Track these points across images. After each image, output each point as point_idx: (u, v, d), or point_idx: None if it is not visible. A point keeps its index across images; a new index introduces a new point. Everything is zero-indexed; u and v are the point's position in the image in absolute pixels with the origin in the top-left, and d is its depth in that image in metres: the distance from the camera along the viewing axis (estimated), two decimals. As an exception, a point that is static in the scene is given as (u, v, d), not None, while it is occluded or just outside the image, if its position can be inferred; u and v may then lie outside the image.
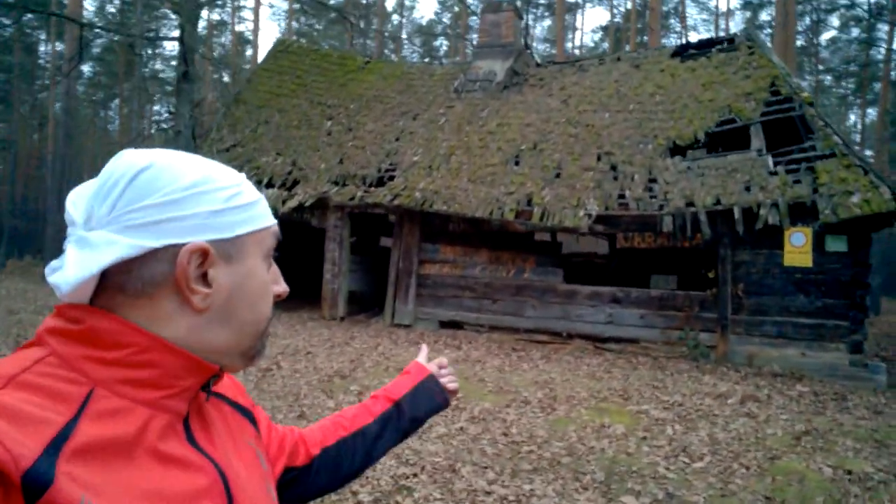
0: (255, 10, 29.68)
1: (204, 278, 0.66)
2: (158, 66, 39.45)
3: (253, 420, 0.85)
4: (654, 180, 9.32)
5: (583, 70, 12.33)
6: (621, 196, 9.19)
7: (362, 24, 26.82)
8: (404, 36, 40.23)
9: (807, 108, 9.42)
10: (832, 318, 8.23)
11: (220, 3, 38.94)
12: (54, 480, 0.52)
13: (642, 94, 11.04)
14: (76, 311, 0.64)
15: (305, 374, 6.73)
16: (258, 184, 11.10)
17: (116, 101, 39.17)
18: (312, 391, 6.15)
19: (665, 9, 36.07)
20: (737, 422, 5.94)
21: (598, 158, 9.96)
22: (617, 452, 5.02)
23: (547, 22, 40.76)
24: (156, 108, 38.62)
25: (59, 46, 31.56)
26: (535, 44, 39.59)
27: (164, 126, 14.19)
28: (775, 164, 8.94)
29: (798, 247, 8.37)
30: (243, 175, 0.73)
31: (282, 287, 0.75)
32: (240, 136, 12.37)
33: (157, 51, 37.61)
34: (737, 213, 8.38)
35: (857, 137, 33.57)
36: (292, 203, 10.51)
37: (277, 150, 11.84)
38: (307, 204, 10.52)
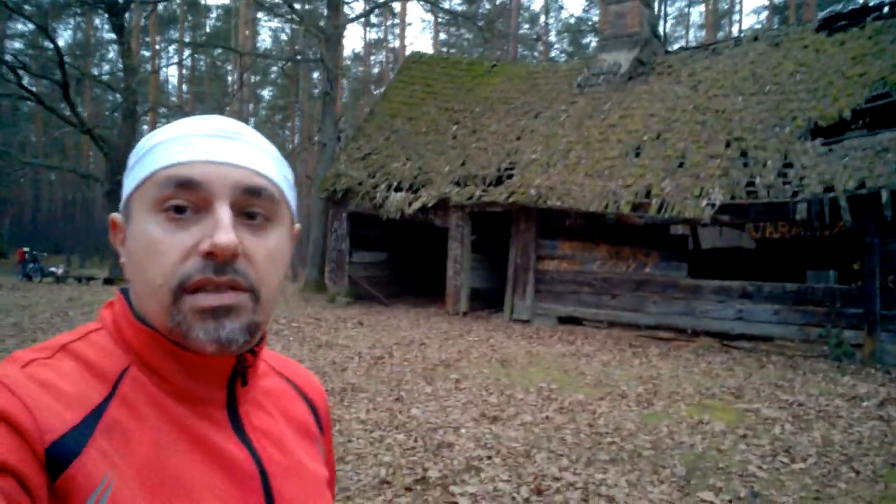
0: (402, 27, 31.24)
1: None
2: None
3: (319, 421, 0.80)
4: (789, 165, 8.59)
5: (716, 53, 11.63)
6: (750, 183, 8.57)
7: (500, 28, 27.25)
8: (552, 37, 40.11)
9: (982, 72, 8.15)
10: None
11: (376, 23, 41.56)
12: (81, 455, 0.52)
13: (781, 73, 10.19)
14: (117, 293, 0.67)
15: (413, 363, 7.14)
16: (388, 188, 11.85)
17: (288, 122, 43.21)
18: (415, 378, 6.53)
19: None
20: (864, 425, 5.37)
21: (728, 145, 9.37)
22: (707, 449, 4.79)
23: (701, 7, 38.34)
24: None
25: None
26: (691, 31, 37.46)
27: (317, 139, 15.65)
28: (938, 139, 7.85)
29: (966, 233, 7.27)
30: (172, 126, 0.65)
31: (210, 241, 0.59)
32: (374, 145, 13.25)
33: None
34: (884, 197, 7.47)
35: None
36: (416, 205, 11.09)
37: (406, 156, 12.53)
38: (430, 205, 11.04)
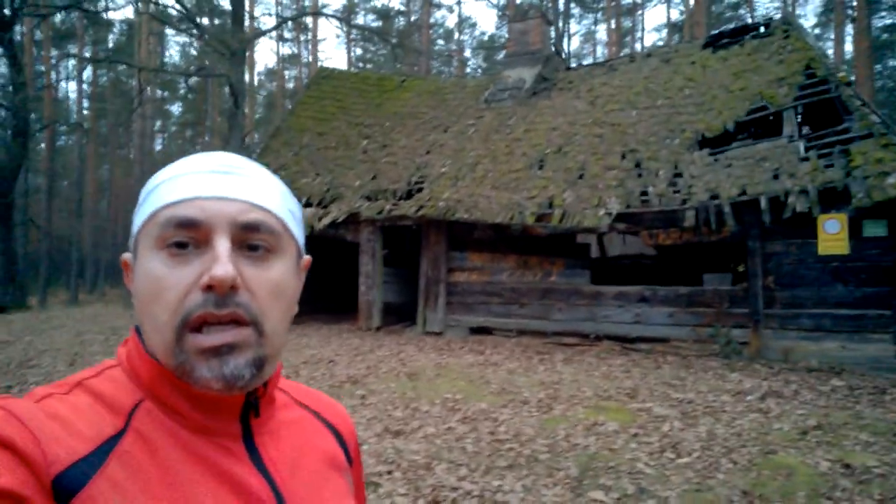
0: (314, 43, 30.99)
1: None
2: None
3: (347, 452, 0.80)
4: (679, 175, 9.09)
5: (613, 70, 12.19)
6: (643, 193, 9.01)
7: (413, 44, 27.52)
8: (467, 53, 40.85)
9: (843, 88, 8.93)
10: (874, 308, 7.70)
11: (289, 38, 41.00)
12: (88, 485, 0.53)
13: (671, 88, 10.80)
14: (131, 331, 0.68)
15: (320, 381, 7.02)
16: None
17: (201, 137, 41.78)
18: (320, 396, 6.41)
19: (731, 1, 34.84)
20: (745, 418, 5.71)
21: (623, 157, 9.81)
22: (600, 449, 4.95)
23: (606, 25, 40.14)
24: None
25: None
26: (598, 47, 39.08)
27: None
28: (808, 149, 8.52)
29: (833, 234, 7.91)
30: (176, 164, 0.66)
31: (208, 275, 0.59)
32: (283, 161, 13.02)
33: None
34: (763, 203, 8.03)
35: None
36: (326, 220, 10.97)
37: (316, 172, 12.38)
38: (340, 220, 10.94)
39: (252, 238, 0.63)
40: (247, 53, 33.84)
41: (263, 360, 0.62)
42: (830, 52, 27.00)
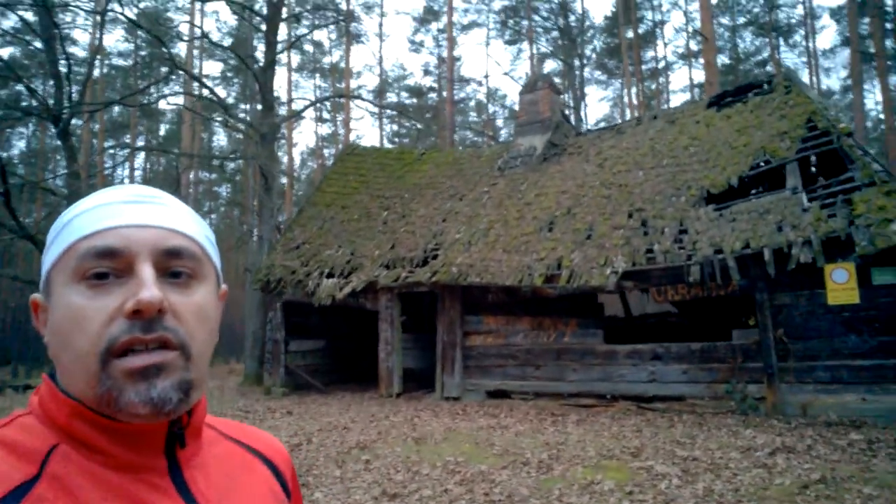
0: (346, 122, 32.56)
1: None
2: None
3: (283, 483, 0.79)
4: (684, 231, 9.18)
5: (620, 133, 12.53)
6: (649, 250, 9.12)
7: (438, 118, 28.70)
8: (499, 122, 42.16)
9: (844, 139, 9.01)
10: (892, 357, 7.50)
11: (328, 119, 43.04)
12: None
13: (676, 147, 11.03)
14: (43, 376, 0.67)
15: (329, 448, 7.18)
16: (320, 275, 12.13)
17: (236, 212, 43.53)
18: (327, 462, 6.57)
19: (758, 58, 35.28)
20: (748, 473, 5.61)
21: (630, 216, 9.98)
22: (590, 507, 4.95)
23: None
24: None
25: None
26: (626, 110, 39.73)
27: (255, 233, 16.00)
28: (811, 200, 8.56)
29: (841, 283, 7.83)
30: (86, 199, 0.66)
31: (134, 300, 0.59)
32: (308, 235, 13.61)
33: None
34: (766, 255, 8.04)
35: None
36: (347, 289, 11.35)
37: (339, 244, 12.90)
38: (359, 289, 11.31)
39: (174, 264, 0.63)
40: (287, 134, 35.76)
41: (190, 384, 0.62)
42: (855, 103, 26.92)
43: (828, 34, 54.53)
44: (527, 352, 10.13)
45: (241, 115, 24.27)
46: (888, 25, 24.49)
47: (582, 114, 24.99)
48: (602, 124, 39.19)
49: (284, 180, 29.03)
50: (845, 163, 8.83)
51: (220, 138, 47.69)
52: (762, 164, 9.54)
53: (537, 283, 9.51)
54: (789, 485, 5.20)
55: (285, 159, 38.78)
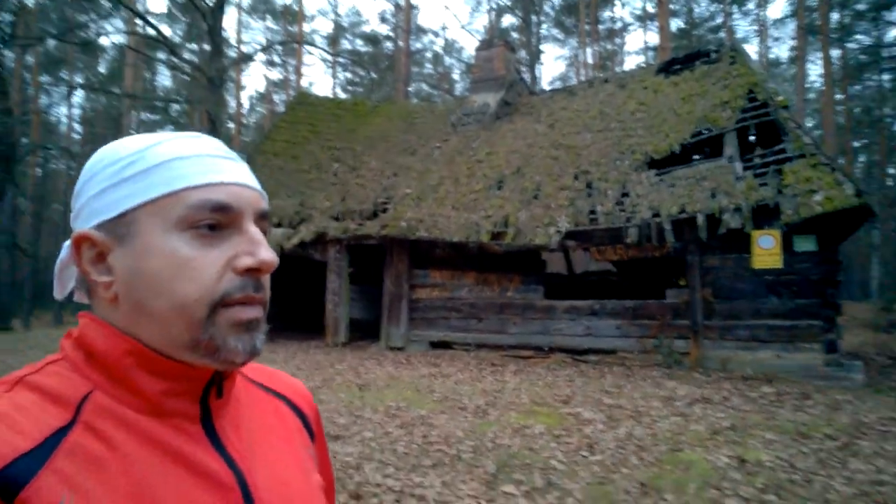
0: (297, 69, 31.67)
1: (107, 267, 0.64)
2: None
3: (309, 429, 0.81)
4: (626, 194, 9.54)
5: (572, 94, 12.73)
6: (592, 212, 9.46)
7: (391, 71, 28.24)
8: (456, 75, 41.74)
9: (781, 111, 9.44)
10: (805, 319, 8.12)
11: (279, 64, 41.70)
12: (34, 479, 0.53)
13: (624, 112, 11.31)
14: (82, 316, 0.66)
15: (274, 392, 7.35)
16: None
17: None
18: (271, 405, 6.75)
19: (711, 24, 35.83)
20: (666, 421, 6.07)
21: (576, 177, 10.28)
22: (521, 449, 5.31)
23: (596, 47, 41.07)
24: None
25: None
26: (582, 70, 39.94)
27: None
28: (746, 168, 9.00)
29: (767, 249, 8.35)
30: (173, 143, 0.65)
31: (249, 260, 0.62)
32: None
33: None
34: (700, 220, 8.48)
35: None
36: (295, 240, 11.36)
37: (287, 193, 12.81)
38: (308, 240, 11.35)
39: (262, 226, 0.66)
40: (235, 78, 34.56)
41: (265, 335, 0.66)
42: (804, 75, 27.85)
43: (779, 3, 55.62)
44: (471, 305, 10.45)
45: (188, 57, 23.31)
46: None
47: (537, 72, 25.09)
48: (558, 83, 39.37)
49: (232, 125, 28.23)
50: (780, 134, 9.29)
51: (165, 78, 45.74)
52: (704, 132, 9.92)
53: (484, 240, 9.76)
54: (702, 431, 5.68)
55: (233, 104, 37.62)
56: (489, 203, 10.41)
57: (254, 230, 0.63)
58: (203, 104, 14.41)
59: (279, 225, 12.07)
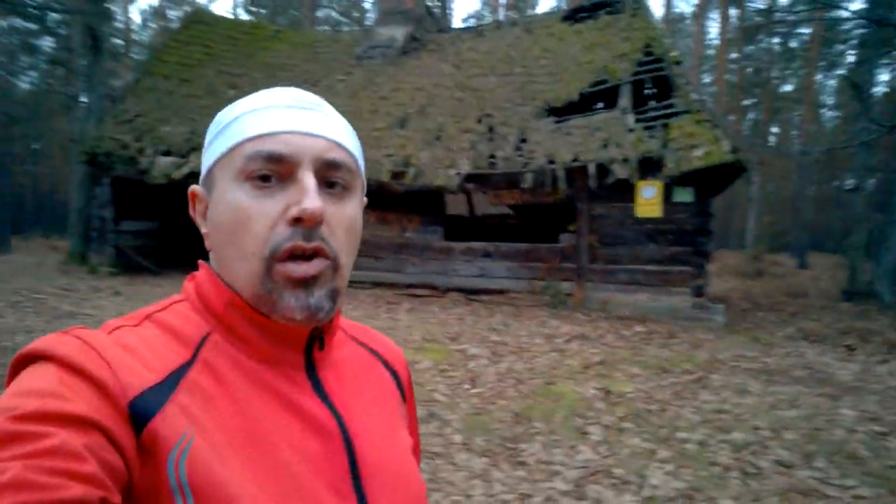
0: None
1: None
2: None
3: (401, 387, 0.82)
4: (525, 140, 9.75)
5: (480, 35, 12.66)
6: (492, 156, 9.61)
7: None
8: (367, 4, 40.04)
9: (673, 67, 9.86)
10: (678, 265, 8.79)
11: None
12: (161, 411, 0.55)
13: (529, 57, 11.41)
14: (200, 265, 0.71)
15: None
16: (155, 153, 11.37)
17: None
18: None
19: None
20: (545, 356, 6.48)
21: (479, 121, 10.36)
22: (407, 382, 5.51)
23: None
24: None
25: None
26: (501, 10, 39.52)
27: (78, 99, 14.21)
28: (638, 120, 9.40)
29: (649, 199, 8.88)
30: (251, 98, 0.67)
31: (298, 208, 0.62)
32: (144, 107, 12.54)
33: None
34: (591, 169, 8.85)
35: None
36: (185, 170, 10.81)
37: (179, 120, 12.07)
38: (197, 170, 10.79)
39: (332, 175, 0.65)
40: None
41: (338, 292, 0.65)
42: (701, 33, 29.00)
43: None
44: (368, 243, 10.46)
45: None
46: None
47: (450, 8, 24.61)
48: (472, 20, 38.84)
49: (119, 42, 25.91)
50: (671, 90, 9.74)
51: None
52: (602, 82, 10.22)
53: (384, 179, 9.72)
54: (575, 365, 6.12)
55: (122, 17, 34.41)
56: (392, 142, 10.32)
57: (307, 179, 0.62)
58: (81, 15, 13.07)
59: (168, 153, 11.41)
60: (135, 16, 41.84)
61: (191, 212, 0.70)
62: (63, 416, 0.49)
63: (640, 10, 11.42)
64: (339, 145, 0.66)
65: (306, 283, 0.62)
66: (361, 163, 0.72)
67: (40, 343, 0.56)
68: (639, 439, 4.31)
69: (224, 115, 0.67)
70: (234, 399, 0.60)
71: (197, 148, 11.33)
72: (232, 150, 0.64)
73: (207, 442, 0.56)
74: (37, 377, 0.52)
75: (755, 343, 7.67)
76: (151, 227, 12.96)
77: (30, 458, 0.46)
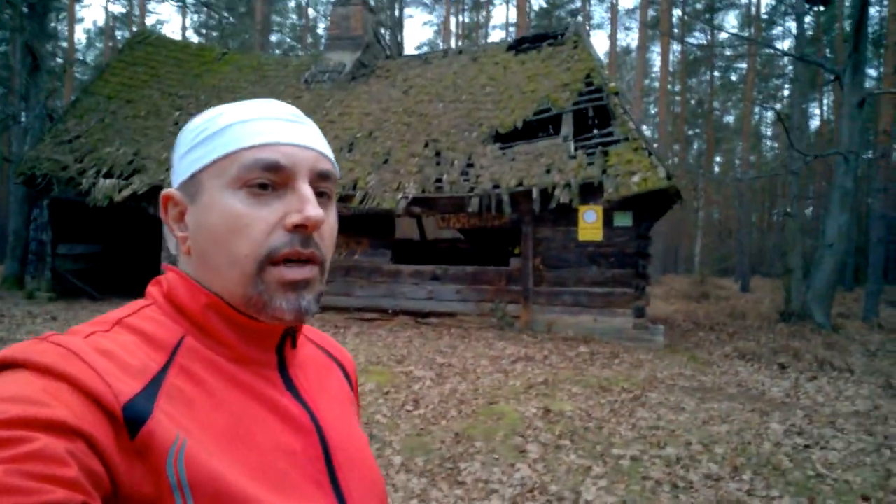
0: (141, 5, 28.92)
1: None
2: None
3: (351, 387, 0.86)
4: (472, 165, 9.94)
5: (427, 63, 12.88)
6: (438, 180, 9.76)
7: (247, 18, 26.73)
8: (321, 30, 40.15)
9: (612, 97, 10.24)
10: (620, 287, 9.04)
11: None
12: (152, 413, 0.55)
13: (475, 85, 11.67)
14: (167, 268, 0.71)
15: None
16: (97, 174, 11.10)
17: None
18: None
19: (571, 7, 37.49)
20: (489, 377, 6.55)
21: (426, 145, 10.51)
22: (350, 405, 5.49)
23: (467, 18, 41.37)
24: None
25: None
26: (453, 39, 40.24)
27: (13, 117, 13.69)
28: (577, 148, 9.71)
29: (590, 223, 9.14)
30: (237, 108, 0.69)
31: (296, 217, 0.64)
32: (85, 128, 12.26)
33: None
34: (534, 194, 9.08)
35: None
36: (127, 192, 10.58)
37: (121, 141, 11.83)
38: (140, 192, 10.61)
39: (321, 186, 0.68)
40: (69, 6, 30.76)
41: (321, 295, 0.68)
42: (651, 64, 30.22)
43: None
44: (317, 267, 10.40)
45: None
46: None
47: (401, 36, 24.98)
48: (426, 48, 39.41)
49: (60, 61, 25.27)
50: (610, 118, 10.12)
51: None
52: (545, 111, 10.53)
53: (331, 201, 9.72)
54: (518, 386, 6.21)
55: (66, 35, 33.58)
56: (340, 165, 10.34)
57: (305, 189, 0.65)
58: (20, 33, 12.74)
59: (110, 175, 11.14)
60: (80, 35, 40.79)
61: (162, 215, 0.70)
62: (45, 422, 0.49)
63: (581, 42, 11.85)
64: (326, 157, 0.69)
65: (297, 286, 0.64)
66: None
67: (16, 350, 0.55)
68: (575, 456, 4.41)
69: (208, 123, 0.68)
70: (213, 400, 0.61)
71: (141, 169, 11.11)
72: (225, 157, 0.65)
73: (198, 444, 0.56)
74: (17, 384, 0.52)
75: (693, 362, 7.94)
76: (92, 251, 12.57)
77: (11, 463, 0.46)
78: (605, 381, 6.56)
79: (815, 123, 31.99)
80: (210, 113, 0.69)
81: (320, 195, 0.68)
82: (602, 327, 9.00)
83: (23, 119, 13.75)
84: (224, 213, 0.64)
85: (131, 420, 0.53)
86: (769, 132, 38.15)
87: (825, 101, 31.12)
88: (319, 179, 0.67)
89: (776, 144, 35.92)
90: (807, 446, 4.74)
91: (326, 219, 0.67)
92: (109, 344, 0.58)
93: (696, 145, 39.78)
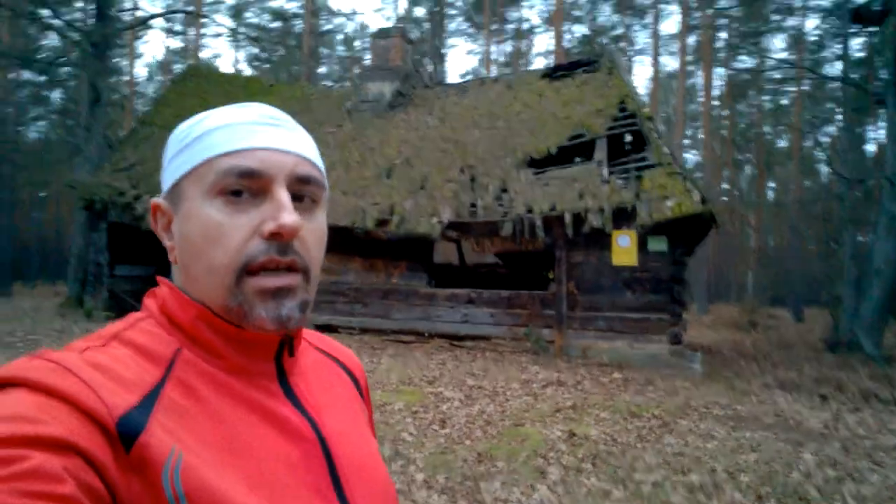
0: (196, 40, 30.39)
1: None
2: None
3: (360, 391, 0.84)
4: (506, 190, 10.10)
5: (464, 91, 13.19)
6: (473, 205, 9.94)
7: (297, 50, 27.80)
8: (367, 59, 41.33)
9: (646, 122, 10.29)
10: (655, 313, 8.99)
11: (180, 32, 39.63)
12: (147, 426, 0.54)
13: (510, 112, 11.88)
14: (159, 280, 0.69)
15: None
16: (150, 199, 11.69)
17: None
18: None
19: (614, 33, 37.58)
20: (518, 400, 6.61)
21: (461, 171, 10.73)
22: (377, 423, 5.64)
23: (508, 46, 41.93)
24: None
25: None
26: (495, 68, 40.77)
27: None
28: (611, 173, 9.76)
29: (624, 248, 9.15)
30: (217, 113, 0.67)
31: (271, 224, 0.62)
32: (140, 156, 12.97)
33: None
34: (567, 218, 9.16)
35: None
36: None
37: (174, 169, 12.44)
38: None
39: (303, 190, 0.65)
40: (129, 44, 32.59)
41: (307, 303, 0.65)
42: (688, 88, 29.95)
43: (677, 18, 58.99)
44: (356, 290, 10.69)
45: (78, 17, 21.71)
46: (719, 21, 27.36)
47: (443, 65, 25.55)
48: (469, 77, 40.01)
49: (122, 94, 26.74)
50: (644, 143, 10.15)
51: (53, 37, 42.35)
52: (579, 136, 10.64)
53: (370, 226, 10.02)
54: (545, 409, 6.26)
55: (128, 69, 35.49)
56: (378, 190, 10.67)
57: (282, 195, 0.63)
58: (84, 69, 13.64)
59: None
60: (142, 69, 42.98)
61: (152, 225, 0.70)
62: (40, 440, 0.48)
63: (615, 69, 11.96)
64: (307, 160, 0.67)
65: (276, 294, 0.63)
66: (325, 174, 0.72)
67: (10, 368, 0.54)
68: (596, 479, 4.43)
69: (189, 129, 0.66)
70: (210, 413, 0.60)
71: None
72: (202, 165, 0.63)
73: (194, 457, 0.56)
74: (10, 402, 0.51)
75: (731, 391, 7.79)
76: (145, 272, 13.20)
77: (7, 482, 0.45)
78: (635, 406, 6.53)
79: (871, 148, 30.99)
80: (194, 118, 0.68)
81: (300, 199, 0.65)
82: (637, 353, 8.94)
83: (85, 149, 14.63)
84: (201, 223, 0.62)
85: (125, 434, 0.53)
86: (824, 157, 37.04)
87: (881, 125, 30.15)
88: (300, 184, 0.65)
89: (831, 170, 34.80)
90: (839, 479, 4.63)
91: (309, 224, 0.65)
92: (104, 358, 0.58)
93: (747, 170, 38.92)
